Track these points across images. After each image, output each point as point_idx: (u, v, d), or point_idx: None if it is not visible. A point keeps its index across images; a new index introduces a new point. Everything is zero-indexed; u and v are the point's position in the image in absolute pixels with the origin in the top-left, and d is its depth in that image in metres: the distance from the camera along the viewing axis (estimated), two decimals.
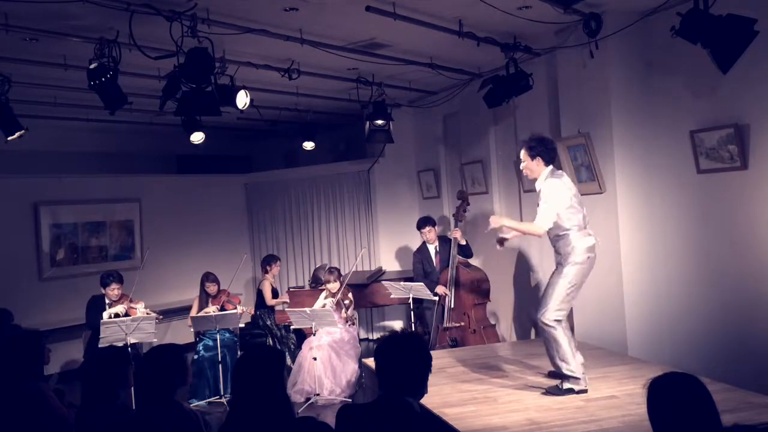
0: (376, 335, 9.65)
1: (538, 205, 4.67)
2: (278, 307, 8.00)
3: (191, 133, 7.64)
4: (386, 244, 9.72)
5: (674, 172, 5.57)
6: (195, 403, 6.66)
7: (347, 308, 7.21)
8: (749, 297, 4.99)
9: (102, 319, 6.20)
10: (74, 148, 9.32)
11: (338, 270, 7.49)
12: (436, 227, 7.48)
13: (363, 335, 9.55)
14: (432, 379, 2.82)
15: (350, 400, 6.57)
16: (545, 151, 4.68)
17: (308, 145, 9.44)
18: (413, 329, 7.26)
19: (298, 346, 7.48)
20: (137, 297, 6.99)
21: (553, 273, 4.73)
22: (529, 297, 7.11)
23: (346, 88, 7.74)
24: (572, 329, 6.17)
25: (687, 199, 5.49)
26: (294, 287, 9.48)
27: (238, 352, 7.05)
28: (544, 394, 4.65)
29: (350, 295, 7.36)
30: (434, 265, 7.31)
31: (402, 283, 7.18)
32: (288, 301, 7.90)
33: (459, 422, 4.13)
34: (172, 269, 9.40)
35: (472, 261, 7.27)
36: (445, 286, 6.91)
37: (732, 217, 5.11)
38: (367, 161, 9.78)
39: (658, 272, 5.75)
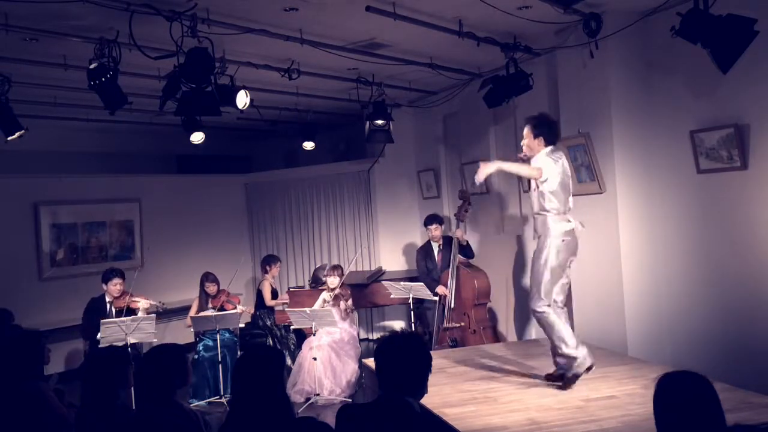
0: (376, 335, 9.65)
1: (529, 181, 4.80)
2: (278, 307, 8.00)
3: (191, 133, 7.64)
4: (386, 244, 9.72)
5: (674, 172, 5.57)
6: (195, 403, 6.66)
7: (346, 299, 7.20)
8: (749, 297, 4.99)
9: (101, 324, 6.18)
10: (74, 148, 9.31)
11: (342, 268, 7.49)
12: (442, 226, 7.50)
13: (363, 335, 9.55)
14: (432, 379, 2.82)
15: (350, 400, 6.57)
16: (549, 132, 4.76)
17: (308, 145, 9.44)
18: (413, 329, 7.26)
19: (298, 346, 7.48)
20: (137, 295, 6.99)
21: (534, 257, 4.79)
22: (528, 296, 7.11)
23: (346, 88, 7.74)
24: (572, 329, 6.19)
25: (687, 199, 5.49)
26: (294, 287, 9.48)
27: (238, 352, 7.05)
28: (561, 387, 4.68)
29: (348, 289, 7.37)
30: (436, 263, 7.32)
31: (402, 283, 7.19)
32: (288, 301, 7.90)
33: (459, 422, 4.13)
34: (172, 269, 9.39)
35: (473, 261, 7.27)
36: (446, 286, 6.91)
37: (732, 217, 5.11)
38: (367, 161, 9.78)
39: (658, 272, 5.75)
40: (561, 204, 4.67)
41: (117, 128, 9.10)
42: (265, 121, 9.15)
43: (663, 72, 5.65)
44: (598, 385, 4.73)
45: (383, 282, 7.64)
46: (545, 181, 4.61)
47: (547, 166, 4.63)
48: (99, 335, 6.10)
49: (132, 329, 6.13)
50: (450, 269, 6.90)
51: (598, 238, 5.76)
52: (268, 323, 7.89)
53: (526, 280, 7.23)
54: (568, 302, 5.93)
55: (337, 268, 7.40)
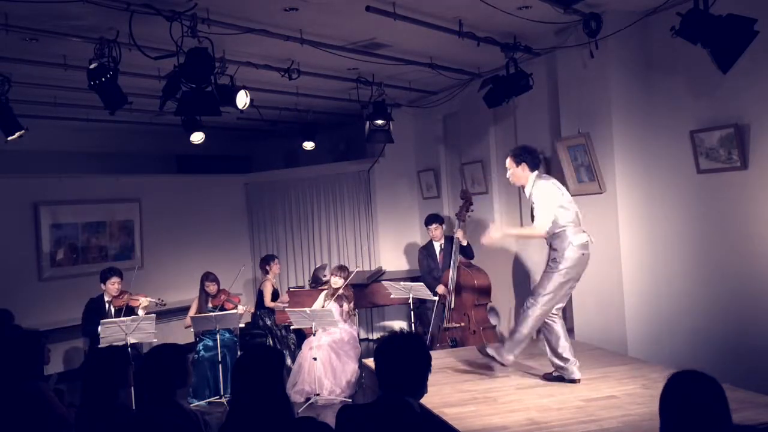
0: (376, 335, 9.65)
1: (531, 209, 4.81)
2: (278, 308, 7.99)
3: (191, 133, 7.64)
4: (386, 244, 9.72)
5: (674, 172, 5.57)
6: (195, 403, 6.66)
7: (349, 300, 7.19)
8: (749, 297, 4.99)
9: (101, 324, 6.18)
10: (74, 148, 9.31)
11: (347, 270, 7.48)
12: (443, 225, 7.50)
13: (363, 335, 9.55)
14: (432, 379, 2.82)
15: (350, 400, 6.57)
16: (530, 157, 4.85)
17: (308, 145, 9.44)
18: (413, 329, 7.26)
19: (298, 346, 7.48)
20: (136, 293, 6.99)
21: (547, 267, 4.81)
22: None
23: (346, 88, 7.74)
24: (572, 329, 6.20)
25: (687, 199, 5.49)
26: (294, 287, 9.48)
27: (238, 352, 7.05)
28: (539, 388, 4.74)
29: (352, 293, 7.37)
30: (438, 263, 7.32)
31: (402, 283, 7.18)
32: (287, 303, 7.89)
33: (459, 422, 4.12)
34: (172, 269, 9.39)
35: (474, 261, 7.27)
36: (446, 286, 6.91)
37: (732, 217, 5.11)
38: (367, 161, 9.78)
39: (658, 272, 5.75)
40: (574, 216, 4.73)
41: (117, 128, 9.10)
42: (265, 121, 9.15)
43: (663, 72, 5.65)
44: (598, 385, 4.73)
45: (383, 282, 7.63)
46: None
47: (543, 191, 4.72)
48: (99, 335, 6.10)
49: (132, 329, 6.13)
50: (451, 269, 6.90)
51: (598, 238, 5.73)
52: (268, 323, 7.89)
53: (527, 281, 7.25)
54: (568, 302, 5.95)
55: (342, 270, 7.37)
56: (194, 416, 3.27)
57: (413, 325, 7.33)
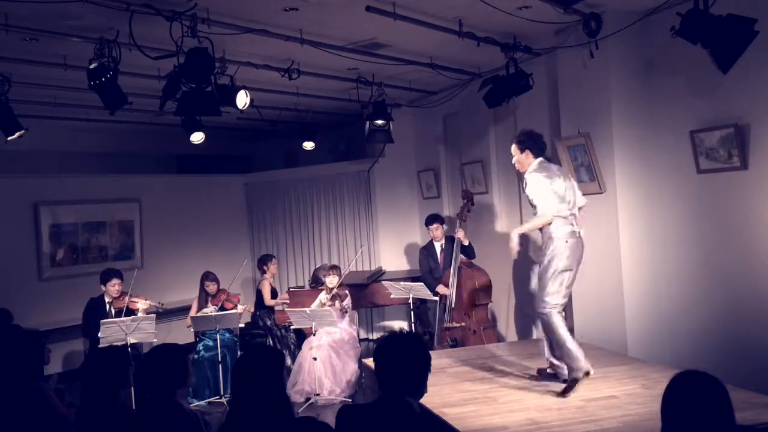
0: (376, 335, 9.65)
1: (528, 195, 4.81)
2: (278, 307, 7.99)
3: (191, 133, 7.64)
4: (386, 244, 9.72)
5: (674, 172, 5.57)
6: (195, 403, 6.67)
7: (342, 299, 7.19)
8: (749, 297, 4.99)
9: (101, 325, 6.18)
10: (74, 148, 9.31)
11: (339, 269, 7.49)
12: (443, 225, 7.49)
13: (363, 335, 9.55)
14: (432, 379, 2.82)
15: (350, 400, 6.57)
16: (534, 144, 4.83)
17: (308, 145, 9.43)
18: (413, 329, 7.26)
19: (298, 346, 7.48)
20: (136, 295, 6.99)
21: (540, 263, 4.79)
22: (530, 297, 7.10)
23: (346, 88, 7.74)
24: (572, 329, 6.19)
25: (687, 199, 5.49)
26: (294, 287, 9.48)
27: (238, 352, 7.05)
28: (559, 395, 4.58)
29: (346, 290, 7.37)
30: (439, 263, 7.32)
31: (402, 283, 7.18)
32: (288, 301, 7.90)
33: (459, 422, 4.12)
34: (172, 269, 9.40)
35: (474, 261, 7.27)
36: (447, 286, 6.91)
37: (732, 217, 5.11)
38: (367, 161, 9.78)
39: (658, 272, 5.75)
40: (563, 207, 4.69)
41: (117, 128, 9.10)
42: (265, 121, 9.16)
43: (663, 72, 5.65)
44: (598, 385, 4.73)
45: (383, 282, 7.64)
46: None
47: (533, 182, 4.69)
48: (99, 335, 6.10)
49: (132, 329, 6.13)
50: (452, 269, 6.90)
51: (598, 238, 5.75)
52: (268, 323, 7.89)
53: (527, 281, 7.24)
54: (568, 302, 5.95)
55: (335, 268, 7.40)
56: (194, 416, 3.27)
57: (413, 325, 7.33)
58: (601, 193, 5.84)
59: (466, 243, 7.01)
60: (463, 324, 6.86)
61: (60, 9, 4.52)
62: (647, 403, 4.18)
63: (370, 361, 5.24)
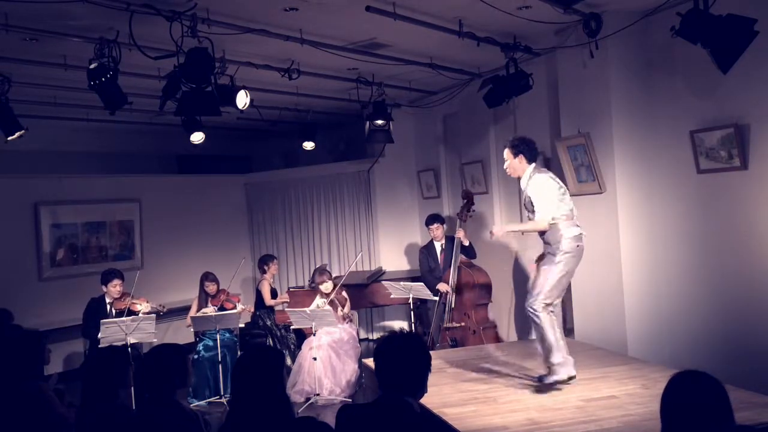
0: (376, 335, 9.65)
1: (525, 203, 4.82)
2: (278, 307, 8.00)
3: (191, 133, 7.63)
4: (386, 244, 9.71)
5: (674, 172, 5.57)
6: (195, 403, 6.67)
7: (342, 306, 7.21)
8: (749, 297, 4.99)
9: (101, 325, 6.18)
10: (74, 148, 9.31)
11: (329, 272, 7.49)
12: (444, 225, 7.49)
13: (363, 335, 9.55)
14: (432, 379, 2.82)
15: (350, 400, 6.57)
16: (528, 149, 4.81)
17: (308, 145, 9.43)
18: (413, 329, 7.26)
19: (298, 346, 7.48)
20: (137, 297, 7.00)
21: (543, 263, 4.78)
22: None
23: (346, 88, 7.74)
24: (572, 329, 6.20)
25: (687, 199, 5.49)
26: (294, 287, 9.48)
27: (238, 352, 7.05)
28: (536, 388, 4.69)
29: (344, 293, 7.36)
30: (439, 263, 7.32)
31: (402, 283, 7.18)
32: (288, 300, 7.91)
33: (459, 422, 4.13)
34: (172, 269, 9.40)
35: (475, 261, 7.27)
36: (447, 285, 6.91)
37: (732, 217, 5.11)
38: (367, 161, 9.78)
39: (658, 272, 5.75)
40: (568, 210, 4.72)
41: (117, 128, 9.10)
42: (265, 121, 9.15)
43: (663, 72, 5.65)
44: (598, 385, 4.73)
45: (383, 282, 7.63)
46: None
47: (541, 183, 4.71)
48: (99, 335, 6.10)
49: (132, 329, 6.13)
50: (452, 269, 6.90)
51: (598, 238, 5.75)
52: (268, 323, 7.89)
53: (527, 281, 7.25)
54: (568, 302, 5.96)
55: (325, 272, 7.40)
56: (194, 416, 3.27)
57: (413, 325, 7.33)
58: (601, 193, 5.84)
59: (466, 243, 7.01)
60: (463, 324, 6.86)
61: (60, 9, 4.52)
62: (647, 403, 4.18)
63: (370, 361, 5.24)
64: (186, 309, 7.71)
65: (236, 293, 7.88)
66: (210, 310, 7.18)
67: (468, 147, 8.22)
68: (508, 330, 7.65)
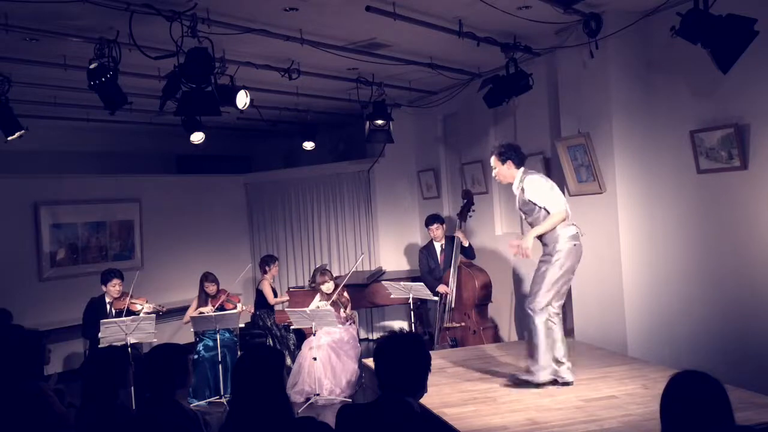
0: (376, 335, 9.65)
1: (520, 206, 4.80)
2: (278, 307, 8.00)
3: (191, 133, 7.64)
4: (386, 244, 9.72)
5: (674, 172, 5.57)
6: (195, 403, 6.66)
7: (345, 307, 7.21)
8: (749, 297, 4.99)
9: (101, 325, 6.18)
10: (74, 148, 9.32)
11: (330, 272, 7.49)
12: (443, 225, 7.49)
13: (363, 335, 9.55)
14: (432, 379, 2.82)
15: (350, 400, 6.57)
16: (515, 154, 4.81)
17: (308, 145, 9.44)
18: (413, 329, 7.26)
19: (298, 346, 7.48)
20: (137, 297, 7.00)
21: (541, 263, 4.77)
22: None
23: (346, 88, 7.74)
24: (572, 329, 6.19)
25: (687, 199, 5.49)
26: (294, 287, 9.48)
27: (238, 352, 7.05)
28: (516, 382, 4.76)
29: (346, 294, 7.36)
30: (439, 263, 7.32)
31: (402, 283, 7.18)
32: (289, 299, 7.91)
33: (459, 422, 4.13)
34: (172, 269, 9.40)
35: (474, 261, 7.27)
36: (447, 285, 6.91)
37: (732, 217, 5.11)
38: (367, 161, 9.78)
39: (658, 272, 5.75)
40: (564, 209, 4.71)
41: (117, 128, 9.10)
42: (265, 121, 9.16)
43: (663, 72, 5.65)
44: (598, 385, 4.73)
45: (383, 282, 7.63)
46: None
47: (536, 181, 4.71)
48: (99, 335, 6.10)
49: (132, 329, 6.14)
50: (452, 269, 6.90)
51: (598, 238, 5.75)
52: (268, 323, 7.89)
53: (527, 281, 7.25)
54: (568, 302, 5.95)
55: (326, 272, 7.39)
56: (194, 416, 3.27)
57: (413, 325, 7.33)
58: (601, 193, 5.84)
59: (466, 244, 7.01)
60: (463, 324, 6.86)
61: (60, 9, 4.52)
62: (647, 403, 4.18)
63: (370, 361, 5.24)
64: (186, 309, 7.71)
65: (237, 293, 7.88)
66: (208, 309, 7.19)
67: (468, 147, 8.22)
68: (508, 330, 7.65)
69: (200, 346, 7.11)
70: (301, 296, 7.90)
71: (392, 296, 7.28)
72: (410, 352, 2.72)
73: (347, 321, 7.19)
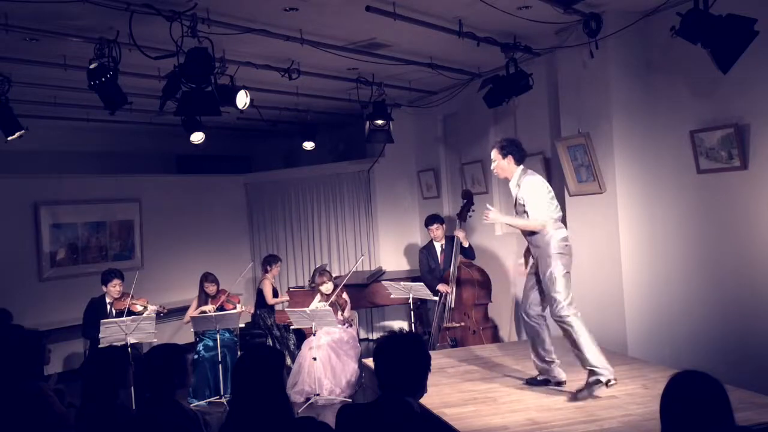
0: (376, 335, 9.65)
1: (515, 205, 4.77)
2: (278, 307, 8.00)
3: (191, 133, 7.64)
4: (386, 244, 9.72)
5: (674, 172, 5.57)
6: (195, 403, 6.66)
7: (342, 309, 7.21)
8: (749, 297, 4.99)
9: (101, 325, 6.18)
10: (74, 148, 9.32)
11: (329, 273, 7.48)
12: (443, 225, 7.49)
13: (363, 335, 9.56)
14: (432, 379, 2.82)
15: (350, 400, 6.57)
16: (516, 150, 4.78)
17: (308, 145, 9.44)
18: (413, 329, 7.26)
19: (298, 346, 7.48)
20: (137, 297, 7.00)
21: (538, 271, 4.71)
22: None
23: (346, 88, 7.74)
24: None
25: (687, 199, 5.49)
26: (294, 287, 9.48)
27: (238, 352, 7.05)
28: (571, 399, 4.48)
29: (345, 295, 7.35)
30: (439, 263, 7.32)
31: (402, 283, 7.18)
32: (289, 299, 7.91)
33: (459, 422, 4.13)
34: (172, 269, 9.40)
35: (474, 261, 7.26)
36: (447, 285, 6.91)
37: (732, 217, 5.11)
38: (367, 161, 9.78)
39: (658, 272, 5.75)
40: (556, 212, 4.69)
41: (117, 128, 9.10)
42: (265, 121, 9.16)
43: (663, 72, 5.65)
44: None
45: (383, 282, 7.63)
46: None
47: (533, 185, 4.67)
48: (99, 335, 6.10)
49: (132, 329, 6.14)
50: (452, 269, 6.90)
51: (598, 238, 5.75)
52: (268, 323, 7.89)
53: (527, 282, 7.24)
54: None
55: (325, 273, 7.38)
56: (194, 416, 3.27)
57: (413, 325, 7.33)
58: (601, 193, 5.84)
59: (466, 244, 7.01)
60: (462, 324, 6.86)
61: (60, 9, 4.52)
62: (647, 403, 4.18)
63: (370, 361, 5.24)
64: (186, 309, 7.70)
65: (238, 293, 7.88)
66: (210, 307, 7.19)
67: (468, 147, 8.22)
68: (508, 330, 7.65)
69: (200, 346, 7.11)
70: (301, 296, 7.91)
71: (392, 296, 7.28)
72: (410, 352, 2.72)
73: (345, 323, 7.18)
